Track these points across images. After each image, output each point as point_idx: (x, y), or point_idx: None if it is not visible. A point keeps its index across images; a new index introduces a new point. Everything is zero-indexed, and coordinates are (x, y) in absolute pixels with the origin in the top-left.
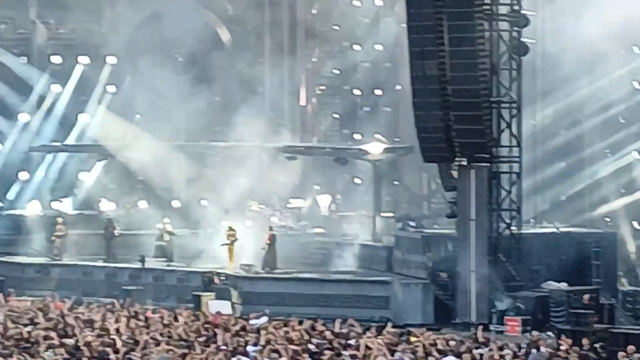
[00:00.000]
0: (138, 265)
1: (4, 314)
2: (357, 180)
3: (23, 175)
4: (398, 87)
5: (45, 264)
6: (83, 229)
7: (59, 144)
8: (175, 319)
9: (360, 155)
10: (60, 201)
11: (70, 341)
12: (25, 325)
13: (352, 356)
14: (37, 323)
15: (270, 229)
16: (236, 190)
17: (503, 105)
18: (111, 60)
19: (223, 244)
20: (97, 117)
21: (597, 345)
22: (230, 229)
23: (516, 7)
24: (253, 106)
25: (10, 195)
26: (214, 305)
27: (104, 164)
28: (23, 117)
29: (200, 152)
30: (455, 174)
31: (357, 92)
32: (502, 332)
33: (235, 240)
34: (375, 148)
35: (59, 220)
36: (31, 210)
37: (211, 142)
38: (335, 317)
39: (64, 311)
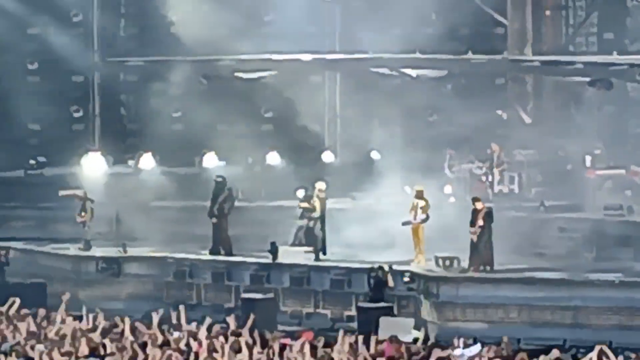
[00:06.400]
0: (267, 258)
1: (43, 344)
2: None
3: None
4: None
5: (113, 257)
6: (172, 200)
7: None
8: (328, 347)
9: (635, 73)
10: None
11: None
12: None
13: None
14: (104, 357)
15: (476, 200)
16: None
17: None
18: None
19: (405, 223)
20: None
21: None
22: (419, 195)
23: None
24: None
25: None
26: (388, 325)
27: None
28: None
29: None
30: None
31: None
32: None
33: (426, 217)
34: None
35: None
36: (90, 165)
37: None
38: (594, 344)
39: (155, 335)
